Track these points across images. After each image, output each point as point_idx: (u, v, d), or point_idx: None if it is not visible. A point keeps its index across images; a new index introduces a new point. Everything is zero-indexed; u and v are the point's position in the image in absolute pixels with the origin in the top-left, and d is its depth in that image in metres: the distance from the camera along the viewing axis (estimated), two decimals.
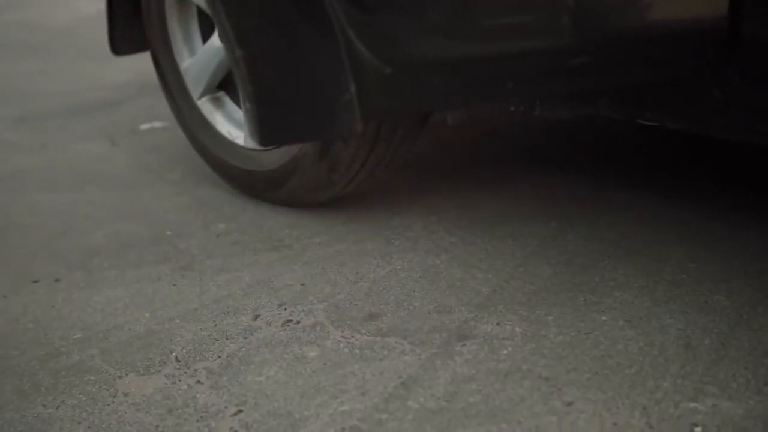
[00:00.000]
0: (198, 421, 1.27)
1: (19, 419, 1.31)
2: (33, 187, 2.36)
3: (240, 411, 1.29)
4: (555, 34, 1.19)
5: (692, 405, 1.22)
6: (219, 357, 1.43)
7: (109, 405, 1.33)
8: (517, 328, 1.45)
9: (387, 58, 1.15)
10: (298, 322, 1.52)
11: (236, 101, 2.09)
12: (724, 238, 1.72)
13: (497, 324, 1.47)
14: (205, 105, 2.12)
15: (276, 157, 1.93)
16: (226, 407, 1.30)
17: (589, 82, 1.30)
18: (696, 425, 1.18)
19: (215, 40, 2.03)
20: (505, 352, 1.39)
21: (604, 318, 1.46)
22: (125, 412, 1.31)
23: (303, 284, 1.66)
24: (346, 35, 1.12)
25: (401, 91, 1.20)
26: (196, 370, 1.40)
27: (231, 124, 2.09)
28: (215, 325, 1.53)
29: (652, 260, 1.65)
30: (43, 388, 1.38)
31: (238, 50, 1.09)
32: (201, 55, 2.10)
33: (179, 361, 1.43)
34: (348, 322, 1.50)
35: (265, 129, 1.14)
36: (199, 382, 1.37)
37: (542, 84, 1.29)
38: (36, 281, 1.76)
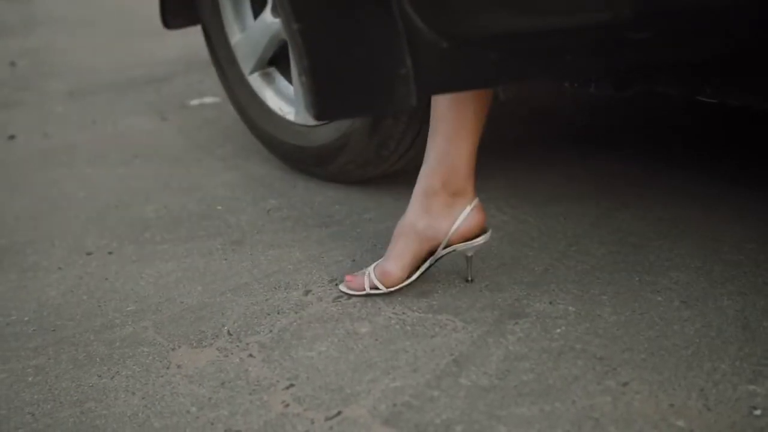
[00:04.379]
0: (250, 394, 1.28)
1: (75, 388, 1.33)
2: (85, 161, 2.39)
3: (292, 385, 1.29)
4: (614, 5, 1.17)
5: (751, 387, 1.20)
6: (270, 331, 1.44)
7: (162, 376, 1.34)
8: (571, 307, 1.43)
9: (443, 32, 1.13)
10: (349, 298, 1.52)
11: (287, 77, 2.09)
12: None
13: (550, 303, 1.45)
14: (255, 80, 2.12)
15: (326, 133, 1.92)
16: (278, 381, 1.31)
17: (649, 56, 1.27)
18: (755, 408, 1.16)
19: (266, 15, 2.02)
20: (558, 331, 1.37)
21: (659, 298, 1.44)
22: (178, 384, 1.32)
23: (354, 260, 1.65)
24: (402, 8, 1.10)
25: (458, 66, 1.18)
26: (248, 343, 1.41)
27: (281, 100, 2.09)
28: (266, 300, 1.54)
29: (708, 240, 1.62)
30: (98, 359, 1.40)
31: (294, 23, 1.08)
32: (252, 31, 2.10)
33: (231, 335, 1.44)
34: (399, 299, 1.50)
35: (321, 102, 1.13)
36: (251, 355, 1.38)
37: (601, 58, 1.26)
38: (89, 253, 1.78)
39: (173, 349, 1.41)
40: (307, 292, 1.55)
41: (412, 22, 1.11)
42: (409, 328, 1.41)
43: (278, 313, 1.49)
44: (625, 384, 1.23)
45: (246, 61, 2.13)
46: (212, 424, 1.22)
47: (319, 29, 1.11)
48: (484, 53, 1.18)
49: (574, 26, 1.18)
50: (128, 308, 1.55)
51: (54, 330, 1.50)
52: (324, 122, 1.91)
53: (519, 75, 1.33)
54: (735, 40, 1.28)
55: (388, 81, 1.14)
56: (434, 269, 1.55)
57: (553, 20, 1.17)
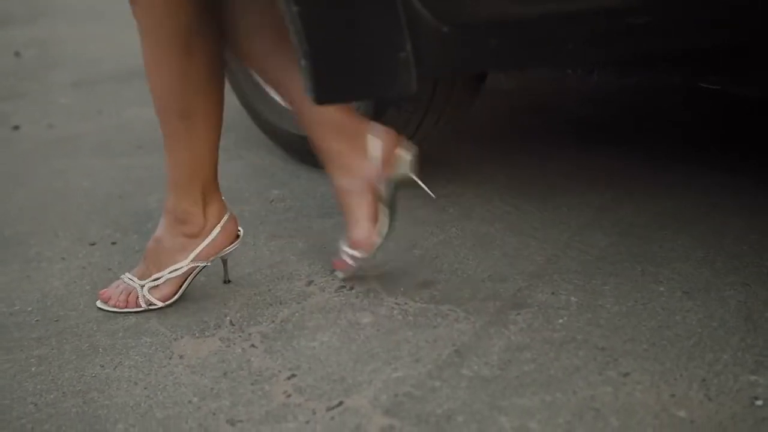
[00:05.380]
0: (252, 384, 1.28)
1: (78, 378, 1.33)
2: (89, 151, 2.39)
3: (294, 375, 1.30)
4: None
5: (753, 378, 1.20)
6: (273, 321, 1.44)
7: (165, 366, 1.35)
8: (573, 298, 1.43)
9: (444, 16, 1.13)
10: (352, 289, 1.52)
11: None
12: None
13: (552, 293, 1.45)
14: None
15: None
16: (279, 371, 1.31)
17: (651, 45, 1.27)
18: (756, 398, 1.16)
19: None
20: (560, 321, 1.37)
21: (661, 289, 1.44)
22: (181, 374, 1.32)
23: None
24: None
25: (458, 51, 1.18)
26: (250, 334, 1.41)
27: None
28: (269, 290, 1.54)
29: (711, 231, 1.62)
30: (100, 349, 1.41)
31: (294, 6, 1.08)
32: None
33: (234, 325, 1.44)
34: (401, 289, 1.50)
35: (321, 87, 1.13)
36: (253, 345, 1.38)
37: (602, 46, 1.26)
38: (93, 244, 1.79)
39: (176, 340, 1.42)
40: (309, 283, 1.55)
41: (412, 5, 1.11)
42: (411, 318, 1.42)
43: (280, 304, 1.49)
44: (626, 374, 1.23)
45: None
46: (214, 414, 1.22)
47: (319, 12, 1.11)
48: (484, 38, 1.18)
49: (576, 12, 1.18)
50: None
51: (57, 320, 1.50)
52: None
53: (519, 61, 1.33)
54: (737, 29, 1.27)
55: (388, 65, 1.14)
56: (436, 260, 1.56)
57: (554, 6, 1.17)
